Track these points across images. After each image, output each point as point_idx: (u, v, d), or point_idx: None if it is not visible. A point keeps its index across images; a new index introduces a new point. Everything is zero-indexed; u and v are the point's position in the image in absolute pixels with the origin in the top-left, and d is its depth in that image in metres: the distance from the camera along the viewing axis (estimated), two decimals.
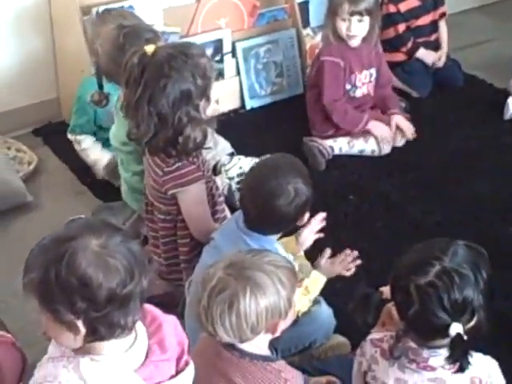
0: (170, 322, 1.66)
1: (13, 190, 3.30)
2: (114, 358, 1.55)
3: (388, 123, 3.67)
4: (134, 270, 1.52)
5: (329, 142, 3.60)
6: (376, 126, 3.65)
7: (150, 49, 2.40)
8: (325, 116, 3.67)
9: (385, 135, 3.64)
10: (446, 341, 1.83)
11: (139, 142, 2.49)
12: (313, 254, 2.60)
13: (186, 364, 1.62)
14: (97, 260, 1.49)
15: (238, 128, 3.78)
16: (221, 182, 3.16)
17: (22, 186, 3.36)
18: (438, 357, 1.84)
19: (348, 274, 2.54)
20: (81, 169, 3.54)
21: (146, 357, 1.58)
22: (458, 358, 1.78)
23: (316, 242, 2.60)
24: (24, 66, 3.72)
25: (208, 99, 2.48)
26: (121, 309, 1.52)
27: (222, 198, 2.78)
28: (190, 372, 1.62)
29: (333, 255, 2.56)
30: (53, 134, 3.79)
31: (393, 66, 4.05)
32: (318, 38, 4.00)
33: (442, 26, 4.25)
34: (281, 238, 2.49)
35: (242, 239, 2.28)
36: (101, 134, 3.42)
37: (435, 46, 4.21)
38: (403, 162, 3.59)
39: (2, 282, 2.84)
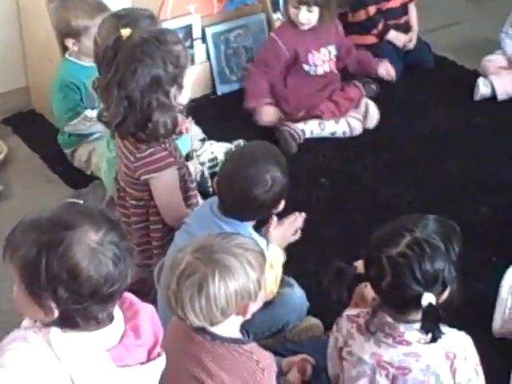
0: (147, 310, 1.66)
1: None
2: (86, 335, 1.54)
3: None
4: (122, 269, 1.51)
5: (300, 126, 3.60)
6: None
7: (125, 33, 2.40)
8: (296, 98, 3.68)
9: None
10: (421, 314, 1.85)
11: (109, 124, 2.48)
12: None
13: (158, 355, 1.62)
14: (90, 256, 1.48)
15: (209, 113, 3.76)
16: (193, 167, 3.15)
17: None
18: (414, 331, 1.86)
19: (294, 238, 2.54)
20: (51, 157, 3.52)
21: (120, 340, 1.58)
22: (430, 329, 1.80)
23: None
24: None
25: (180, 87, 2.47)
26: (101, 304, 1.52)
27: (194, 184, 2.77)
28: (160, 363, 1.61)
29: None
30: (23, 123, 3.77)
31: (364, 48, 4.06)
32: None
33: (412, 8, 4.26)
34: (256, 225, 2.49)
35: (217, 224, 2.28)
36: None
37: (406, 28, 4.22)
38: (375, 145, 3.60)
39: None
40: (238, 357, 1.88)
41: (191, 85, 2.53)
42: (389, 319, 1.86)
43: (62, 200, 3.09)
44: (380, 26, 4.14)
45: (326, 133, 3.65)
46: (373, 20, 4.15)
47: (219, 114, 3.82)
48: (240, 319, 1.91)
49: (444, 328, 1.88)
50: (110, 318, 1.57)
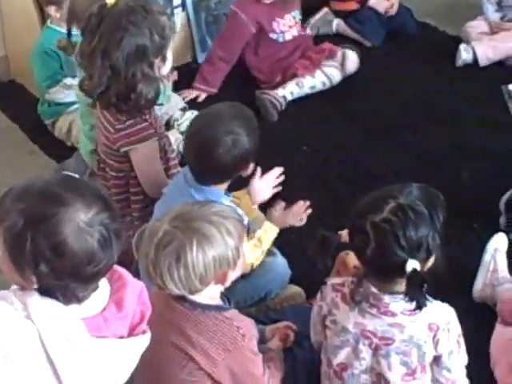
0: (135, 285, 1.63)
1: None
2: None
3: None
4: (108, 252, 1.49)
5: (280, 92, 3.58)
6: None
7: (110, 0, 2.36)
8: (269, 65, 3.67)
9: None
10: (405, 282, 1.85)
11: (91, 93, 2.46)
12: (268, 206, 2.60)
13: (143, 333, 1.61)
14: (77, 235, 1.45)
15: (191, 82, 3.73)
16: (173, 137, 3.14)
17: None
18: (399, 302, 1.86)
19: (300, 224, 2.55)
20: (32, 128, 3.50)
21: (101, 312, 1.56)
22: (415, 296, 1.80)
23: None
24: None
25: (164, 58, 2.45)
26: (83, 284, 1.50)
27: (174, 154, 2.76)
28: (143, 341, 1.60)
29: (286, 207, 2.56)
30: (2, 94, 3.73)
31: (345, 15, 4.05)
32: None
33: None
34: (232, 191, 2.49)
35: (188, 193, 2.27)
36: None
37: None
38: (357, 112, 3.58)
39: None
40: (218, 324, 1.89)
41: (172, 53, 2.51)
42: (374, 290, 1.86)
43: (43, 172, 3.13)
44: None
45: (306, 89, 3.63)
46: None
47: None
48: (219, 287, 1.92)
49: (429, 299, 1.89)
50: (93, 292, 1.55)
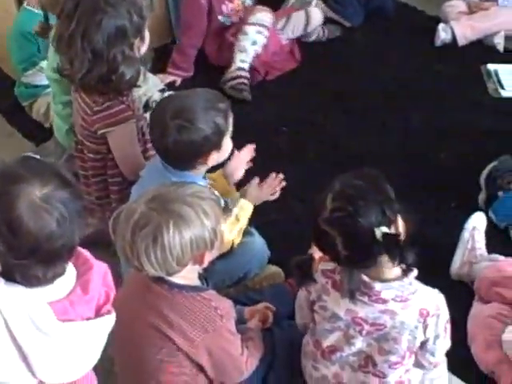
0: (100, 268, 1.63)
1: None
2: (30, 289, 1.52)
3: None
4: (67, 230, 1.48)
5: (233, 69, 3.56)
6: None
7: None
8: (217, 46, 3.68)
9: None
10: (397, 272, 1.86)
11: (72, 78, 2.44)
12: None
13: (108, 312, 1.61)
14: (33, 211, 1.44)
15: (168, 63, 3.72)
16: None
17: None
18: (391, 290, 1.86)
19: (273, 198, 2.54)
20: (10, 110, 3.48)
21: (67, 295, 1.56)
22: (397, 254, 1.79)
23: (249, 174, 2.61)
24: None
25: (142, 38, 2.45)
26: (42, 263, 1.48)
27: None
28: (109, 321, 1.59)
29: (260, 183, 2.56)
30: None
31: None
32: None
33: None
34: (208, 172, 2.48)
35: (166, 175, 2.25)
36: None
37: None
38: (336, 93, 3.58)
39: None
40: (196, 304, 1.89)
41: (150, 34, 2.51)
42: (365, 278, 1.85)
43: (21, 154, 3.11)
44: None
45: (249, 48, 3.60)
46: None
47: None
48: (197, 268, 1.92)
49: (419, 285, 1.90)
50: (57, 276, 1.54)
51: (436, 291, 1.94)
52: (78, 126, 2.60)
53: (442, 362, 2.12)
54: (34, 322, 1.47)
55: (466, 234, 2.65)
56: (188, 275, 1.91)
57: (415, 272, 1.87)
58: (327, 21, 3.98)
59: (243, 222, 2.42)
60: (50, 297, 1.52)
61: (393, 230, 1.81)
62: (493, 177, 2.89)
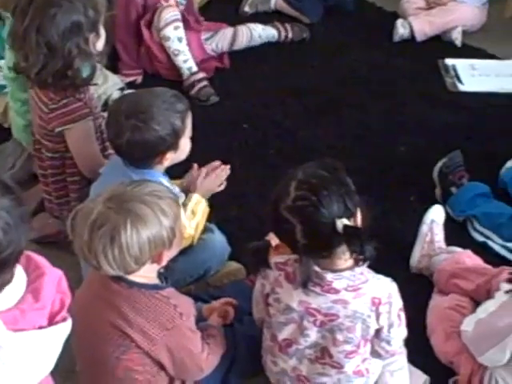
0: (53, 274, 1.60)
1: None
2: None
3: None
4: (13, 237, 1.44)
5: (185, 70, 3.52)
6: None
7: None
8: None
9: None
10: (349, 263, 1.88)
11: (28, 73, 2.42)
12: None
13: (63, 320, 1.59)
14: None
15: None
16: None
17: None
18: (342, 280, 1.88)
19: (220, 189, 2.55)
20: None
21: (17, 303, 1.52)
22: (358, 247, 1.80)
23: None
24: None
25: (98, 33, 2.45)
26: None
27: None
28: (64, 328, 1.57)
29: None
30: None
31: None
32: None
33: None
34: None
35: (126, 174, 2.24)
36: None
37: None
38: (296, 88, 3.59)
39: None
40: (155, 302, 1.89)
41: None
42: (317, 268, 1.86)
43: None
44: None
45: (184, 49, 3.55)
46: None
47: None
48: (156, 267, 1.92)
49: (370, 274, 1.92)
50: (5, 284, 1.51)
51: (388, 280, 1.96)
52: (35, 125, 2.59)
53: (402, 353, 2.15)
54: None
55: (424, 228, 2.68)
56: (147, 274, 1.91)
57: (367, 262, 1.89)
58: (286, 17, 3.99)
59: (199, 217, 2.41)
60: None
61: (352, 223, 1.82)
62: (444, 173, 2.93)
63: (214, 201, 2.60)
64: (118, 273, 1.84)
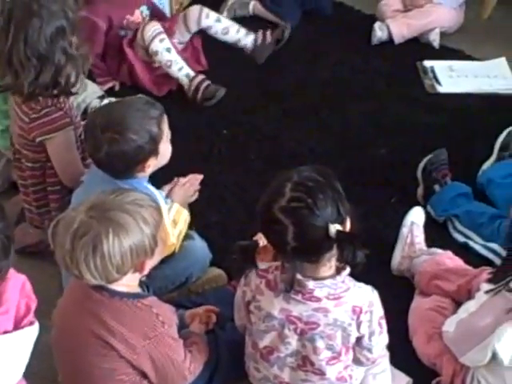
0: (17, 279, 1.61)
1: None
2: None
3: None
4: (9, 257, 1.46)
5: (183, 78, 3.47)
6: None
7: None
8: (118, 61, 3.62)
9: None
10: (332, 271, 1.89)
11: (21, 89, 2.41)
12: None
13: (30, 324, 1.58)
14: None
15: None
16: None
17: None
18: (324, 288, 1.88)
19: (194, 198, 2.57)
20: None
21: None
22: (350, 254, 1.80)
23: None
24: None
25: (78, 35, 2.46)
26: None
27: None
28: (31, 332, 1.57)
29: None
30: None
31: None
32: None
33: None
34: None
35: (111, 181, 2.25)
36: None
37: None
38: (275, 92, 3.60)
39: None
40: (137, 311, 1.90)
41: None
42: (299, 276, 1.87)
43: None
44: None
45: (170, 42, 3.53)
46: None
47: None
48: (138, 276, 1.93)
49: (351, 283, 1.92)
50: None
51: (369, 288, 1.96)
52: (15, 136, 2.58)
53: (384, 356, 2.17)
54: None
55: (404, 230, 2.70)
56: (129, 283, 1.91)
57: (348, 270, 1.90)
58: (265, 22, 4.00)
59: (181, 225, 2.42)
60: None
61: (342, 229, 1.83)
62: (428, 170, 2.95)
63: (194, 207, 2.62)
64: (100, 282, 1.85)
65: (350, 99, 3.56)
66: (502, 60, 3.81)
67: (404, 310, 2.48)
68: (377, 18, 4.07)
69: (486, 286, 2.15)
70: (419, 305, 2.48)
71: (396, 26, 3.92)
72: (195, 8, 3.69)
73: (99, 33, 3.54)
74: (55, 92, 2.41)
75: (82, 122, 2.69)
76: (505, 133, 3.11)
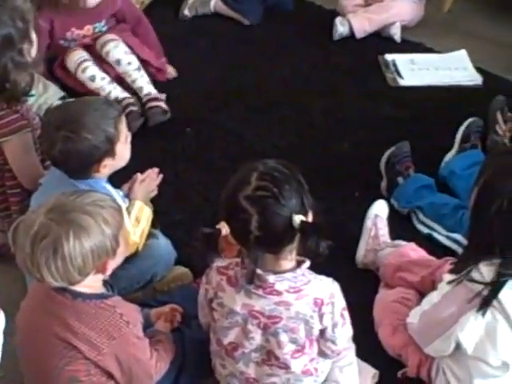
0: None
1: None
2: None
3: None
4: None
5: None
6: None
7: None
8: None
9: None
10: (292, 264, 1.90)
11: None
12: None
13: None
14: None
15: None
16: None
17: None
18: (284, 281, 1.89)
19: (154, 194, 2.56)
20: None
21: None
22: (312, 245, 1.80)
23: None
24: None
25: (30, 41, 2.44)
26: None
27: None
28: None
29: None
30: None
31: None
32: None
33: None
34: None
35: (70, 183, 2.24)
36: None
37: None
38: (238, 89, 3.60)
39: None
40: (100, 312, 1.89)
41: None
42: (259, 271, 1.87)
43: None
44: None
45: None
46: None
47: None
48: (100, 276, 1.92)
49: (312, 275, 1.93)
50: None
51: (330, 280, 1.97)
52: None
53: (350, 348, 2.18)
54: None
55: (368, 223, 2.72)
56: (91, 284, 1.90)
57: (307, 263, 1.91)
58: (226, 19, 4.01)
59: (144, 224, 2.42)
60: None
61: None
62: (391, 163, 2.97)
63: (158, 206, 2.61)
64: (62, 284, 1.84)
65: (313, 95, 3.56)
66: (463, 52, 3.84)
67: (369, 303, 2.49)
68: (338, 13, 4.08)
69: (448, 277, 2.17)
70: (384, 297, 2.49)
71: (357, 21, 3.94)
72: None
73: (41, 34, 3.35)
74: (4, 97, 2.40)
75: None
76: (465, 124, 3.15)
